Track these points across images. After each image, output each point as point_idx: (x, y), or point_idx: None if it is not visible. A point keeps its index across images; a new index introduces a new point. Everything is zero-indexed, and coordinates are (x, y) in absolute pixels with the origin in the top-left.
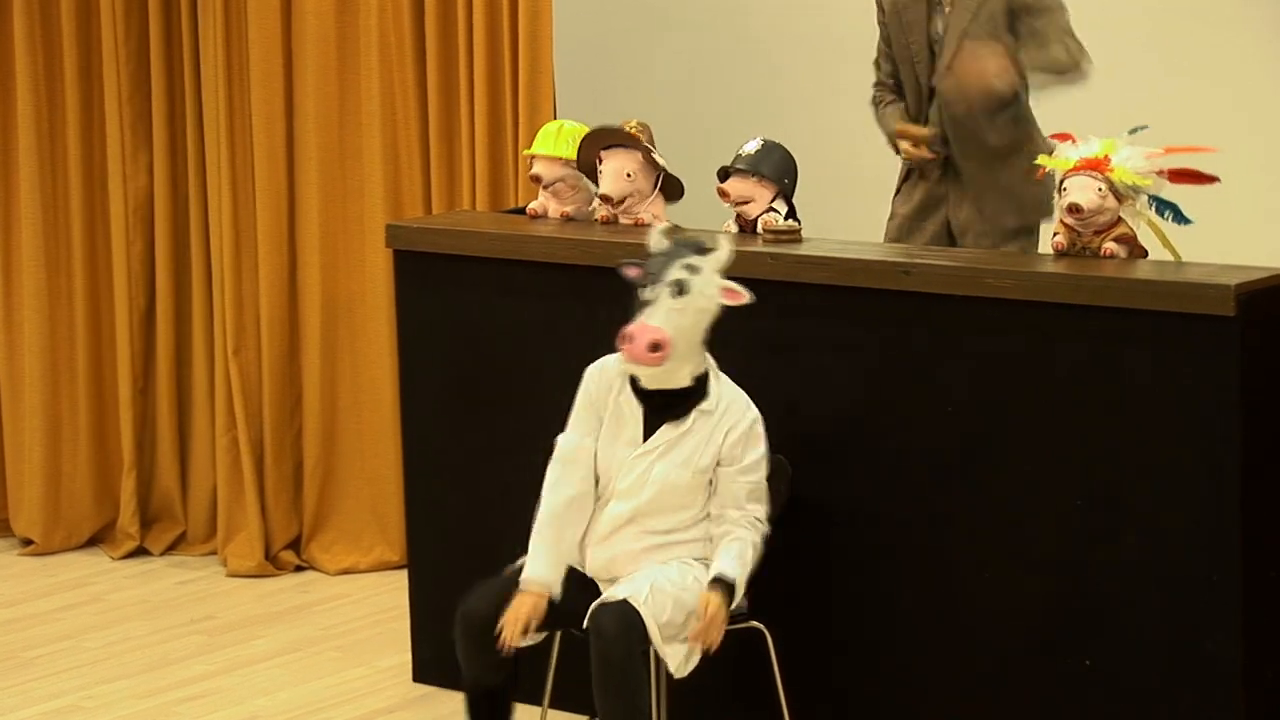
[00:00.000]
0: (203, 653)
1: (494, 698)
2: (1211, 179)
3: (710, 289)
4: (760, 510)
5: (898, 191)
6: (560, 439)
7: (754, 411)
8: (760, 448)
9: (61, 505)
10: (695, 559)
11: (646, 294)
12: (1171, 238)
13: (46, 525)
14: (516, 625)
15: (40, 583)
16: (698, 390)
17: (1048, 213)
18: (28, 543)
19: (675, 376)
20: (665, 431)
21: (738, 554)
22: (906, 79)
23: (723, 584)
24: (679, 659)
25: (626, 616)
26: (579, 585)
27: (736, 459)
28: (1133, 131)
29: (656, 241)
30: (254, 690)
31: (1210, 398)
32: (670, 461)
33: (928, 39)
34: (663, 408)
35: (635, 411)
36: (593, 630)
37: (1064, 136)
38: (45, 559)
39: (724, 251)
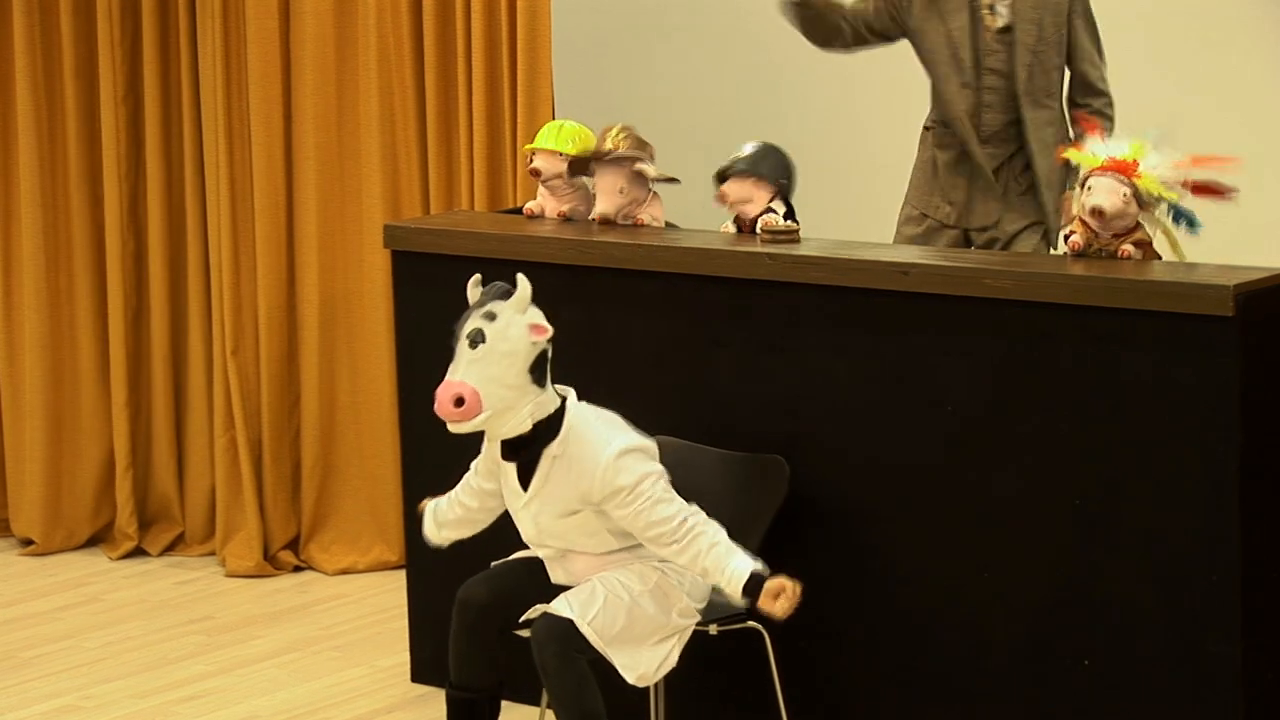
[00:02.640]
0: (201, 653)
1: (481, 706)
2: (1229, 195)
3: (512, 330)
4: (668, 511)
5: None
6: None
7: (608, 451)
8: (626, 473)
9: (62, 505)
10: (659, 561)
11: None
12: (1181, 243)
13: (46, 525)
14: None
15: (39, 583)
16: (546, 433)
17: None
18: (28, 543)
19: (509, 424)
20: (534, 482)
21: (725, 547)
22: (943, 61)
23: (755, 579)
24: (641, 668)
25: (558, 629)
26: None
27: (610, 500)
28: (1158, 136)
29: (471, 294)
30: (252, 690)
31: (1210, 398)
32: (550, 511)
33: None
34: (527, 458)
35: (509, 465)
36: (532, 640)
37: (1091, 126)
38: (44, 559)
39: (521, 289)
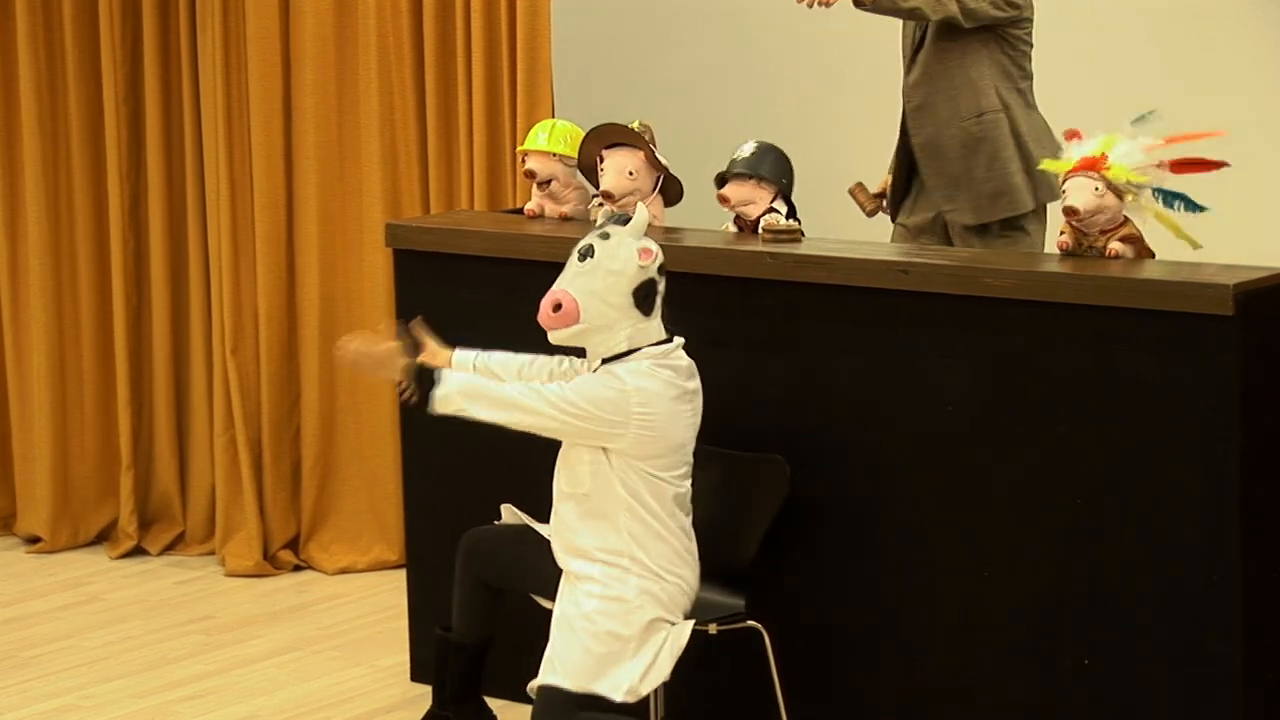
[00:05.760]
0: (201, 652)
1: (470, 652)
2: (1219, 164)
3: (622, 251)
4: (545, 395)
5: (898, 205)
6: None
7: (634, 381)
8: (587, 377)
9: (70, 503)
10: (601, 567)
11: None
12: (1185, 226)
13: (54, 523)
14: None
15: (39, 582)
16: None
17: (1016, 206)
18: (35, 540)
19: (606, 342)
20: None
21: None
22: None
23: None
24: (626, 683)
25: (546, 699)
26: (546, 551)
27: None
28: (1139, 119)
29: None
30: (252, 690)
31: (1210, 398)
32: None
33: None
34: None
35: None
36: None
37: (1073, 134)
38: (44, 558)
39: (640, 216)
